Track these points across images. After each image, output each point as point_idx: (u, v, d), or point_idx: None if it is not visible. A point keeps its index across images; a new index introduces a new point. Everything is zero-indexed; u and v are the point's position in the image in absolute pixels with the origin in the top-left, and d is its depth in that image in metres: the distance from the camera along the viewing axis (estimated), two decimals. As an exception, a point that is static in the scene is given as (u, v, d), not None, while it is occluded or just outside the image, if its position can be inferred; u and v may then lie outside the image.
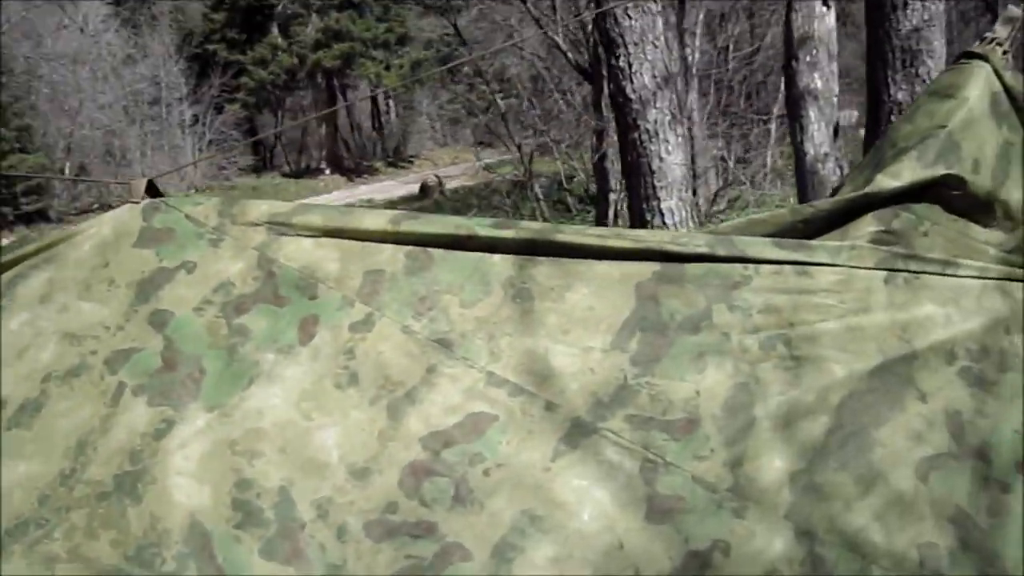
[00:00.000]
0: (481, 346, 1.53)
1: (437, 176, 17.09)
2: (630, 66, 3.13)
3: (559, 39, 9.73)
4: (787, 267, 1.61)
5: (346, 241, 1.62)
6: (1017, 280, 1.75)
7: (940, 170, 1.62)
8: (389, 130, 24.69)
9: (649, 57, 3.09)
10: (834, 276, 1.61)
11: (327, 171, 22.81)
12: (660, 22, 3.14)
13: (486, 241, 1.62)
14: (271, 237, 1.60)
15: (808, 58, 3.93)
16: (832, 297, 1.61)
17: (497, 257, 1.61)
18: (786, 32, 4.13)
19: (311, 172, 23.10)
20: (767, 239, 1.62)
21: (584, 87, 10.29)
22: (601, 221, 9.54)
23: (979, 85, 1.72)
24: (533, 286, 1.59)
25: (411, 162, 23.77)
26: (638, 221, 3.11)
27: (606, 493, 1.42)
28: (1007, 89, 1.72)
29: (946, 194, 1.67)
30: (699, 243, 1.60)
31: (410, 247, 1.62)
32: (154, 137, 20.64)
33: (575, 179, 12.42)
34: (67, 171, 18.50)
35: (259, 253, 1.59)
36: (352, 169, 23.37)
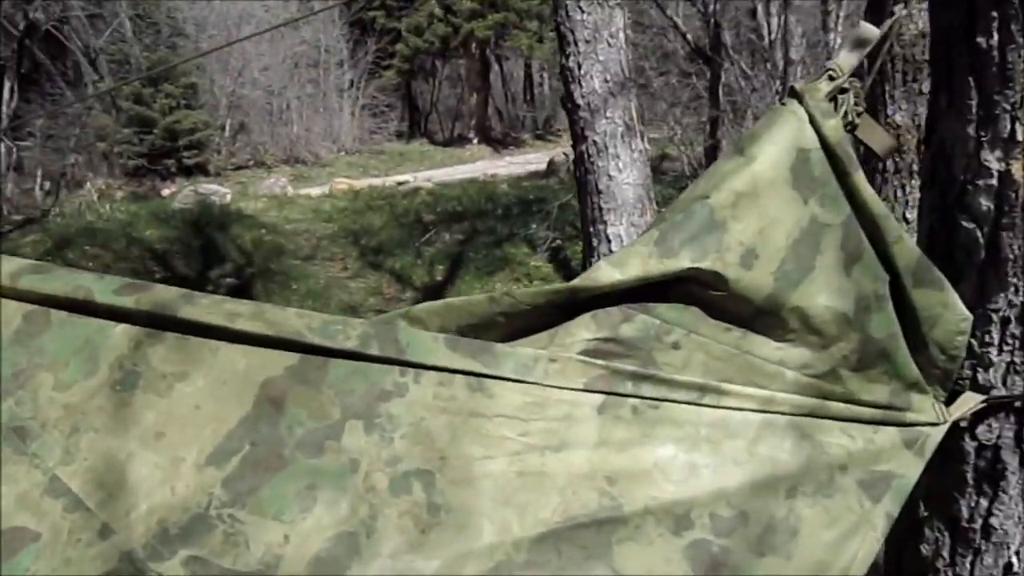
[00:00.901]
0: (58, 441, 1.22)
1: (566, 154, 16.63)
2: (579, 67, 2.65)
3: (679, 20, 9.05)
4: (459, 378, 1.18)
5: (-14, 294, 1.35)
6: (826, 417, 1.23)
7: (683, 262, 1.13)
8: (541, 102, 24.48)
9: (601, 58, 2.59)
10: (522, 397, 1.17)
11: (475, 141, 22.87)
12: (621, 16, 2.62)
13: (106, 308, 1.29)
14: None
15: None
16: (512, 426, 1.17)
17: (119, 328, 1.28)
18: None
19: (460, 141, 23.25)
20: (441, 336, 1.20)
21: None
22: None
23: (781, 139, 1.20)
24: (144, 370, 1.25)
25: (559, 135, 23.47)
26: (586, 247, 2.63)
27: None
28: (827, 147, 1.19)
29: (704, 294, 1.18)
30: (352, 334, 1.20)
31: (32, 307, 1.33)
32: (311, 99, 21.36)
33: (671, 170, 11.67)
34: (227, 128, 19.52)
35: None
36: (499, 140, 23.34)
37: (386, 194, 14.19)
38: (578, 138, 2.74)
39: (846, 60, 1.24)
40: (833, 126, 1.19)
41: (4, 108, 15.77)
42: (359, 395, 1.22)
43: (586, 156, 2.71)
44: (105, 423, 1.27)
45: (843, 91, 1.24)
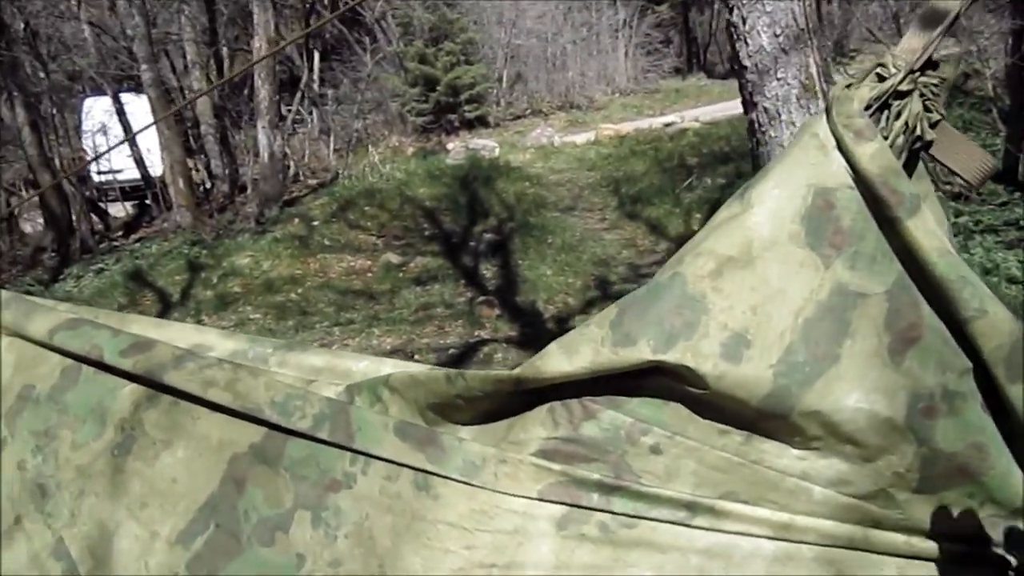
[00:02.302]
0: (67, 503, 1.27)
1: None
2: (744, 21, 2.22)
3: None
4: (407, 473, 1.03)
5: (28, 345, 1.43)
6: (873, 551, 0.91)
7: (642, 354, 0.88)
8: (830, 22, 22.32)
9: (768, 8, 2.15)
10: (468, 503, 1.00)
11: (757, 70, 21.47)
12: (794, -45, 2.14)
13: (111, 368, 1.30)
14: None
15: None
16: (455, 537, 1.00)
17: (127, 388, 1.32)
18: None
19: (739, 72, 21.97)
20: (392, 423, 1.06)
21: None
22: (1015, 145, 7.50)
23: (790, 177, 0.88)
24: (139, 435, 1.26)
25: (853, 57, 21.35)
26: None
27: None
28: (863, 183, 0.85)
29: (684, 389, 0.90)
30: (309, 412, 1.10)
31: (70, 361, 1.38)
32: (584, 43, 21.27)
33: (973, 87, 9.88)
34: (504, 79, 20.06)
35: (-34, 350, 1.49)
36: (785, 67, 21.71)
37: (652, 137, 13.80)
38: (747, 104, 2.35)
39: (908, 47, 0.87)
40: (872, 152, 0.84)
41: (315, 75, 17.45)
42: (311, 483, 1.10)
43: (756, 125, 2.32)
44: (104, 487, 1.28)
45: (901, 95, 0.87)
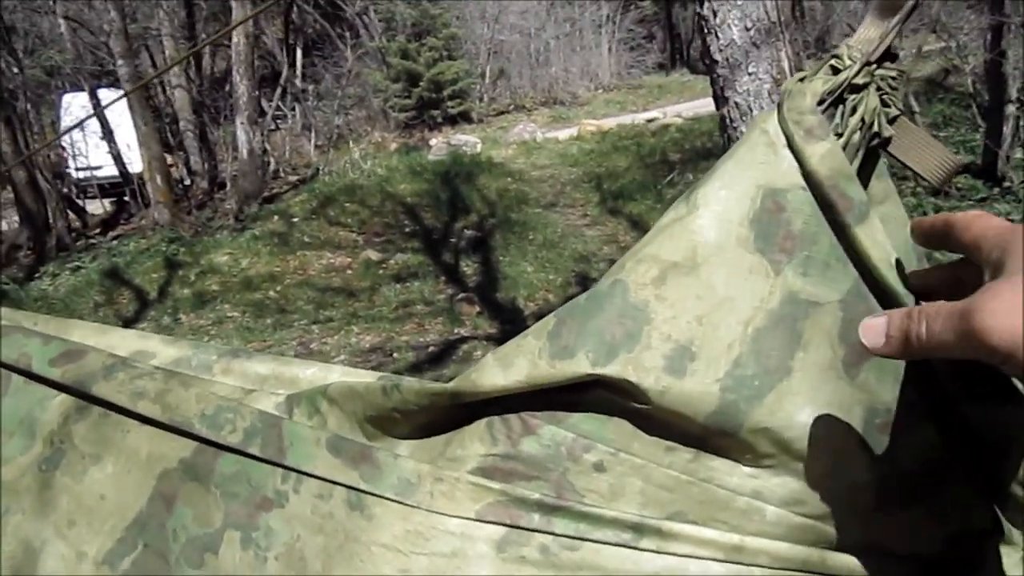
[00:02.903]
0: None
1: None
2: (715, 14, 2.17)
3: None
4: (340, 491, 0.97)
5: (-46, 355, 1.36)
6: (822, 573, 0.85)
7: (581, 366, 0.82)
8: (811, 17, 22.36)
9: (739, 1, 2.10)
10: (403, 524, 0.94)
11: (739, 66, 21.51)
12: (765, -54, 2.10)
13: (41, 378, 1.23)
14: None
15: None
16: (391, 560, 0.93)
17: (57, 399, 1.24)
18: None
19: (722, 67, 21.99)
20: (324, 438, 1.00)
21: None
22: (994, 140, 7.50)
23: (739, 177, 0.82)
24: (68, 448, 1.18)
25: (828, 50, 21.43)
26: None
27: None
28: (813, 185, 0.79)
29: (626, 404, 0.84)
30: (240, 426, 1.03)
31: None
32: (567, 38, 21.22)
33: (954, 83, 9.89)
34: (487, 74, 19.99)
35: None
36: (767, 63, 21.75)
37: (634, 133, 13.77)
38: (719, 100, 2.29)
39: (864, 36, 0.81)
40: (823, 153, 0.78)
41: (297, 71, 17.32)
42: (241, 501, 1.04)
43: (728, 121, 2.26)
44: (31, 504, 1.21)
45: (857, 88, 0.81)
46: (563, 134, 15.04)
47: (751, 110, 2.20)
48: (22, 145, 11.67)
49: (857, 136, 0.82)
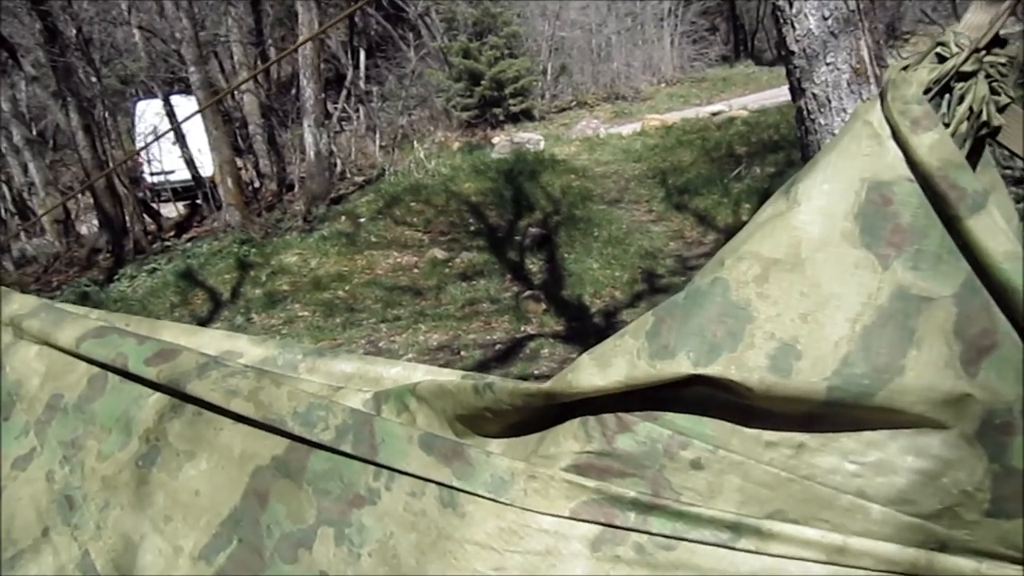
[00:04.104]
0: (93, 515, 1.25)
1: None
2: (790, 4, 2.11)
3: None
4: (432, 488, 0.98)
5: (58, 353, 1.42)
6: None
7: (681, 367, 0.81)
8: (880, 3, 21.77)
9: (817, -11, 2.04)
10: (497, 521, 0.95)
11: (806, 56, 21.02)
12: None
13: (136, 377, 1.28)
14: (15, 339, 1.49)
15: None
16: (484, 558, 0.95)
17: (152, 398, 1.29)
18: None
19: (789, 58, 21.54)
20: (417, 435, 1.01)
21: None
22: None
23: (842, 170, 0.80)
24: (163, 446, 1.23)
25: (906, 40, 20.79)
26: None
27: None
28: (921, 176, 0.77)
29: (728, 397, 0.83)
30: (332, 423, 1.06)
31: (97, 369, 1.36)
32: (629, 33, 21.06)
33: None
34: (548, 71, 19.96)
35: (-2, 359, 1.49)
36: (835, 52, 21.23)
37: (699, 127, 13.59)
38: (795, 91, 2.25)
39: (973, 22, 0.79)
40: (932, 143, 0.76)
41: (361, 73, 17.56)
42: (334, 498, 1.06)
43: (805, 113, 2.21)
44: (129, 499, 1.26)
45: (965, 76, 0.79)
46: (626, 129, 14.93)
47: (829, 101, 2.14)
48: (100, 152, 12.09)
49: (965, 126, 0.80)
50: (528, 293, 7.67)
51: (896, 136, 0.77)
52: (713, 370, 0.79)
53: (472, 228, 10.10)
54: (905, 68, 0.80)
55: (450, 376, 1.19)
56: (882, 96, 0.79)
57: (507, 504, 0.93)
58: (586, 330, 6.68)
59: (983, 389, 0.76)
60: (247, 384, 1.16)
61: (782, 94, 15.72)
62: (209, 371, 1.20)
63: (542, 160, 12.35)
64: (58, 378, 1.40)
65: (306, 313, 8.00)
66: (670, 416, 0.86)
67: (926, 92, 0.78)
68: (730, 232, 8.46)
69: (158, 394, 1.28)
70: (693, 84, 20.37)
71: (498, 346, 6.57)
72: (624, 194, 10.95)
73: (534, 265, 8.66)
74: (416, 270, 8.93)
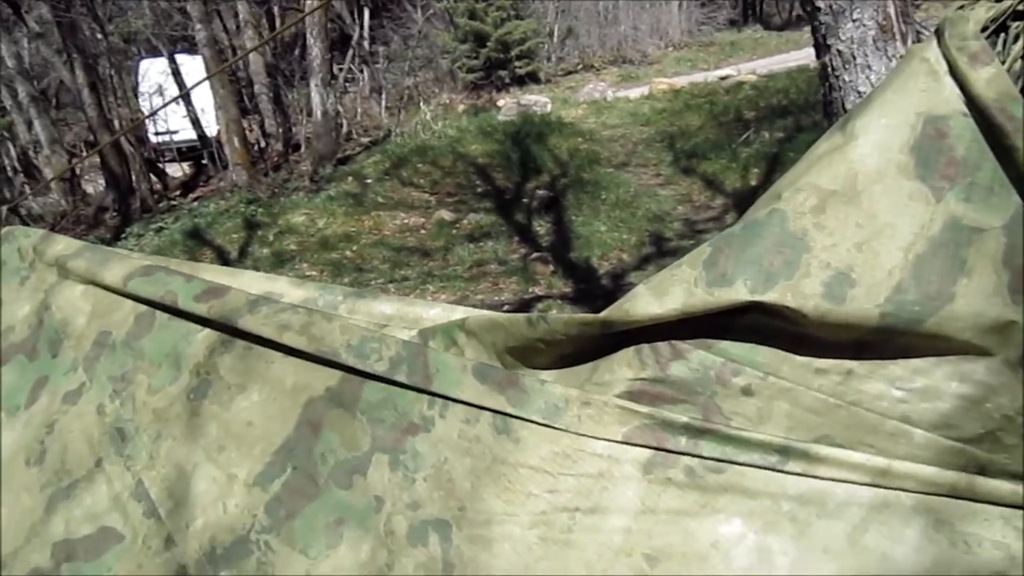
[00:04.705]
0: (146, 445, 1.30)
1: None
2: (818, -41, 2.12)
3: None
4: (486, 416, 1.02)
5: (103, 292, 1.45)
6: (978, 501, 0.87)
7: (739, 294, 0.85)
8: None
9: (845, -56, 2.04)
10: (551, 446, 0.99)
11: (815, 20, 20.81)
12: None
13: (186, 314, 1.31)
14: (59, 279, 1.52)
15: None
16: (538, 481, 0.99)
17: (202, 334, 1.33)
18: None
19: (797, 23, 21.33)
20: (470, 365, 1.05)
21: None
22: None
23: (898, 105, 0.83)
24: (214, 379, 1.27)
25: (917, 5, 20.58)
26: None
27: None
28: (978, 110, 0.79)
29: (783, 324, 0.86)
30: (386, 355, 1.09)
31: (144, 307, 1.40)
32: (637, -5, 20.83)
33: None
34: (555, 33, 19.78)
35: (43, 297, 1.52)
36: (844, 16, 21.01)
37: (707, 91, 13.51)
38: (820, 48, 2.25)
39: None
40: (989, 77, 0.78)
41: (366, 33, 17.41)
42: (388, 426, 1.10)
43: (830, 69, 2.23)
44: (181, 431, 1.30)
45: (1021, 15, 0.81)
46: (634, 93, 14.84)
47: (854, 58, 2.15)
48: (105, 110, 12.04)
49: (1019, 64, 0.82)
50: (536, 255, 7.70)
51: (953, 71, 0.79)
52: (770, 297, 0.82)
53: (479, 190, 10.10)
54: (962, 6, 0.82)
55: (493, 314, 1.23)
56: (939, 34, 0.82)
57: (561, 429, 0.96)
58: (594, 292, 6.72)
59: (1030, 316, 0.80)
60: (298, 319, 1.19)
61: (791, 59, 15.61)
62: (260, 307, 1.24)
63: (549, 123, 12.30)
64: (104, 316, 1.44)
65: (314, 272, 8.04)
66: (723, 344, 0.89)
67: (983, 30, 0.81)
68: (739, 196, 8.48)
69: (207, 330, 1.32)
70: (701, 48, 20.19)
71: (506, 307, 6.61)
72: (632, 158, 10.93)
73: (541, 227, 8.68)
74: (423, 231, 8.95)
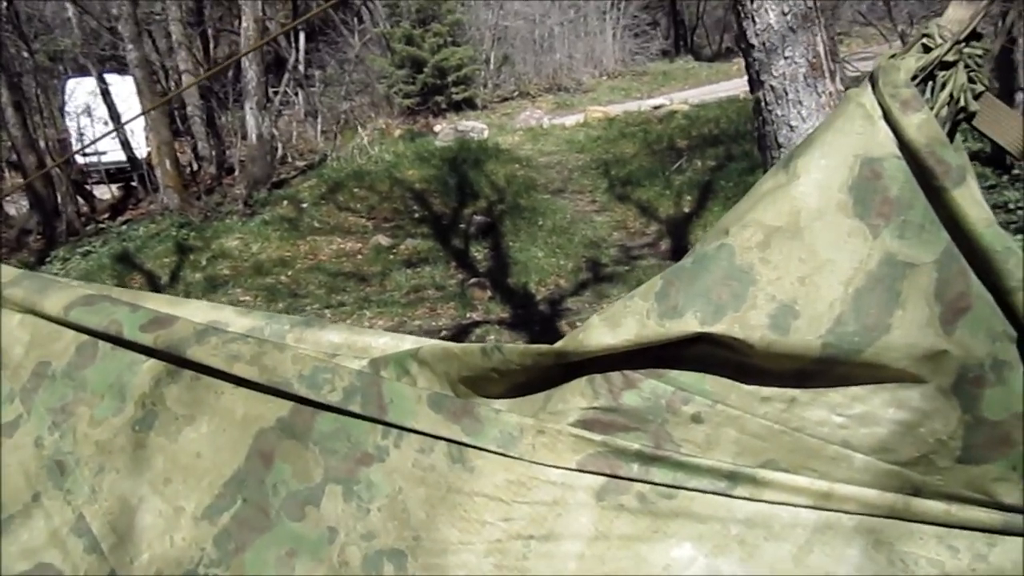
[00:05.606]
0: (87, 479, 1.26)
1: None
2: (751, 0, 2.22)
3: None
4: (441, 445, 1.03)
5: (43, 322, 1.42)
6: (914, 520, 0.91)
7: (689, 325, 0.88)
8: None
9: (777, -15, 2.15)
10: (505, 474, 1.00)
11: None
12: (803, -69, 2.13)
13: (131, 344, 1.29)
14: None
15: None
16: (493, 509, 1.00)
17: (147, 364, 1.30)
18: None
19: (727, 55, 21.99)
20: (425, 394, 1.05)
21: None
22: (1004, 129, 7.51)
23: (837, 147, 0.87)
24: (161, 410, 1.24)
25: (840, 41, 21.39)
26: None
27: None
28: (909, 153, 0.85)
29: (729, 354, 0.90)
30: (339, 385, 1.09)
31: (85, 338, 1.36)
32: (572, 25, 21.20)
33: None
34: (491, 60, 19.96)
35: (-18, 327, 1.47)
36: (771, 50, 21.73)
37: (641, 120, 13.79)
38: (754, 83, 2.34)
39: (954, 17, 0.87)
40: (919, 123, 0.84)
41: (302, 56, 17.30)
42: (341, 456, 1.10)
43: (763, 104, 2.31)
44: (125, 463, 1.27)
45: (947, 65, 0.87)
46: (569, 120, 15.06)
47: (786, 93, 2.25)
48: (31, 130, 11.69)
49: (946, 110, 0.88)
50: (473, 280, 7.72)
51: (887, 117, 0.85)
52: (718, 328, 0.85)
53: (416, 215, 10.10)
54: (893, 56, 0.88)
55: (446, 344, 1.24)
56: (873, 81, 0.87)
57: (516, 458, 0.98)
58: (531, 317, 6.77)
59: (958, 346, 0.85)
60: (249, 349, 1.19)
61: (721, 89, 16.07)
62: (208, 337, 1.23)
63: (486, 149, 12.39)
64: (44, 346, 1.40)
65: (248, 298, 7.91)
66: (673, 374, 0.92)
67: (913, 79, 0.86)
68: (672, 222, 8.65)
69: (152, 360, 1.30)
70: (634, 78, 20.62)
71: (444, 332, 6.61)
72: (568, 184, 11.07)
73: (479, 253, 8.71)
74: (360, 256, 8.89)
